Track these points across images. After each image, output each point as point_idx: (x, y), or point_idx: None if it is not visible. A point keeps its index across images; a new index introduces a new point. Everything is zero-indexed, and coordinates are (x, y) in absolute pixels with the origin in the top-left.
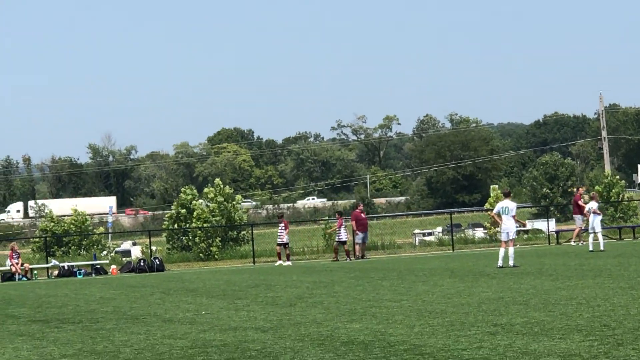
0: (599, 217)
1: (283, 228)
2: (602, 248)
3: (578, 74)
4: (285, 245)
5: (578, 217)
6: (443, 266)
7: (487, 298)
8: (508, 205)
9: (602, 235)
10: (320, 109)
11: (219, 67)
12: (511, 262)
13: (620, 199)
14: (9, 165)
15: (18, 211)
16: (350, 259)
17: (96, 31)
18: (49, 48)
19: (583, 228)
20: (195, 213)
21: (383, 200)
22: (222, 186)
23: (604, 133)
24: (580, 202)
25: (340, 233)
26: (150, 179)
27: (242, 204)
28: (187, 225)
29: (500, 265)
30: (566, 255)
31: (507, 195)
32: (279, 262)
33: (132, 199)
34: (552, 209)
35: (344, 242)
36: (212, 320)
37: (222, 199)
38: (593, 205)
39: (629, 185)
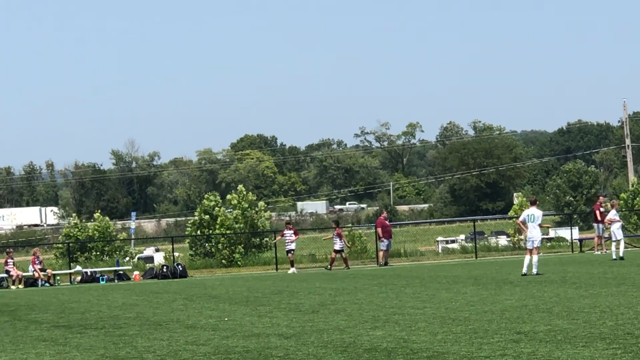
0: (618, 224)
1: (292, 235)
2: (621, 255)
3: (602, 81)
4: (290, 252)
5: (597, 226)
6: (466, 274)
7: (510, 306)
8: (534, 213)
9: (626, 243)
10: (343, 115)
11: (242, 74)
12: (535, 270)
13: None
14: (32, 170)
15: None
16: (330, 268)
17: (119, 38)
18: (73, 54)
19: (606, 236)
20: (218, 220)
21: (406, 207)
22: (245, 193)
23: (627, 141)
24: (596, 212)
25: (335, 242)
26: (173, 185)
27: (350, 205)
28: (210, 231)
29: (524, 272)
30: (589, 263)
31: (533, 203)
32: (292, 270)
33: (155, 205)
34: (575, 217)
35: (339, 251)
36: (234, 326)
37: (246, 206)
38: (612, 213)
39: None
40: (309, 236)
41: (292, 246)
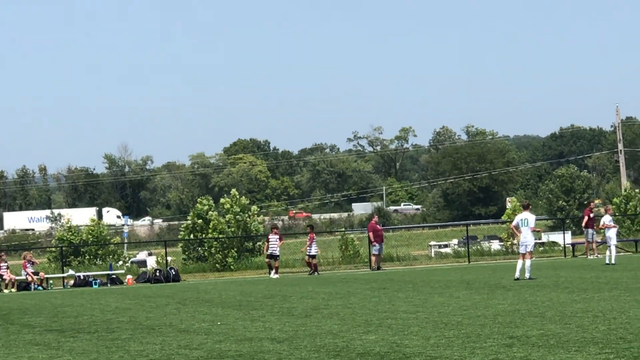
0: (614, 230)
1: (277, 240)
2: (613, 262)
3: (595, 86)
4: (276, 257)
5: (587, 231)
6: (459, 278)
7: (503, 310)
8: (527, 217)
9: (618, 248)
10: (336, 120)
11: (235, 78)
12: (527, 275)
13: (637, 212)
14: (25, 174)
15: None
16: (318, 273)
17: (113, 42)
18: (66, 58)
19: (598, 241)
20: (211, 224)
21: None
22: (238, 197)
23: (620, 146)
24: (585, 217)
25: (310, 247)
26: (166, 190)
27: (405, 206)
28: (203, 235)
29: (517, 277)
30: (582, 267)
31: (526, 207)
32: (272, 274)
33: (148, 209)
34: (568, 221)
35: (314, 256)
36: (227, 330)
37: (239, 210)
38: (607, 219)
39: None
40: (302, 240)
41: (277, 251)
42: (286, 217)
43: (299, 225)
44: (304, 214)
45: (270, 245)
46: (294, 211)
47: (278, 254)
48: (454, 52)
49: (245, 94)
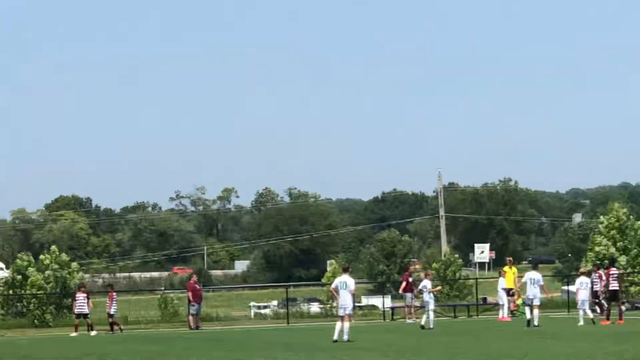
0: (432, 295)
1: (85, 298)
2: (431, 326)
3: (418, 152)
4: (85, 315)
5: (407, 295)
6: (278, 339)
7: None
8: (346, 280)
9: (437, 312)
10: (159, 179)
11: (59, 133)
12: (346, 337)
13: (456, 278)
14: None
15: None
16: (114, 332)
17: None
18: None
19: (417, 305)
20: (29, 280)
21: (220, 272)
22: (58, 253)
23: (441, 211)
24: (404, 282)
25: (109, 305)
26: None
27: None
28: (22, 291)
29: (336, 339)
30: (400, 331)
31: (345, 270)
32: (75, 333)
33: None
34: (388, 285)
35: (112, 315)
36: None
37: (58, 267)
38: (427, 283)
39: (466, 264)
40: (123, 298)
41: (85, 310)
42: (107, 275)
43: (180, 280)
44: (186, 270)
45: (77, 304)
46: (177, 267)
47: (87, 312)
48: (277, 114)
49: (69, 150)
